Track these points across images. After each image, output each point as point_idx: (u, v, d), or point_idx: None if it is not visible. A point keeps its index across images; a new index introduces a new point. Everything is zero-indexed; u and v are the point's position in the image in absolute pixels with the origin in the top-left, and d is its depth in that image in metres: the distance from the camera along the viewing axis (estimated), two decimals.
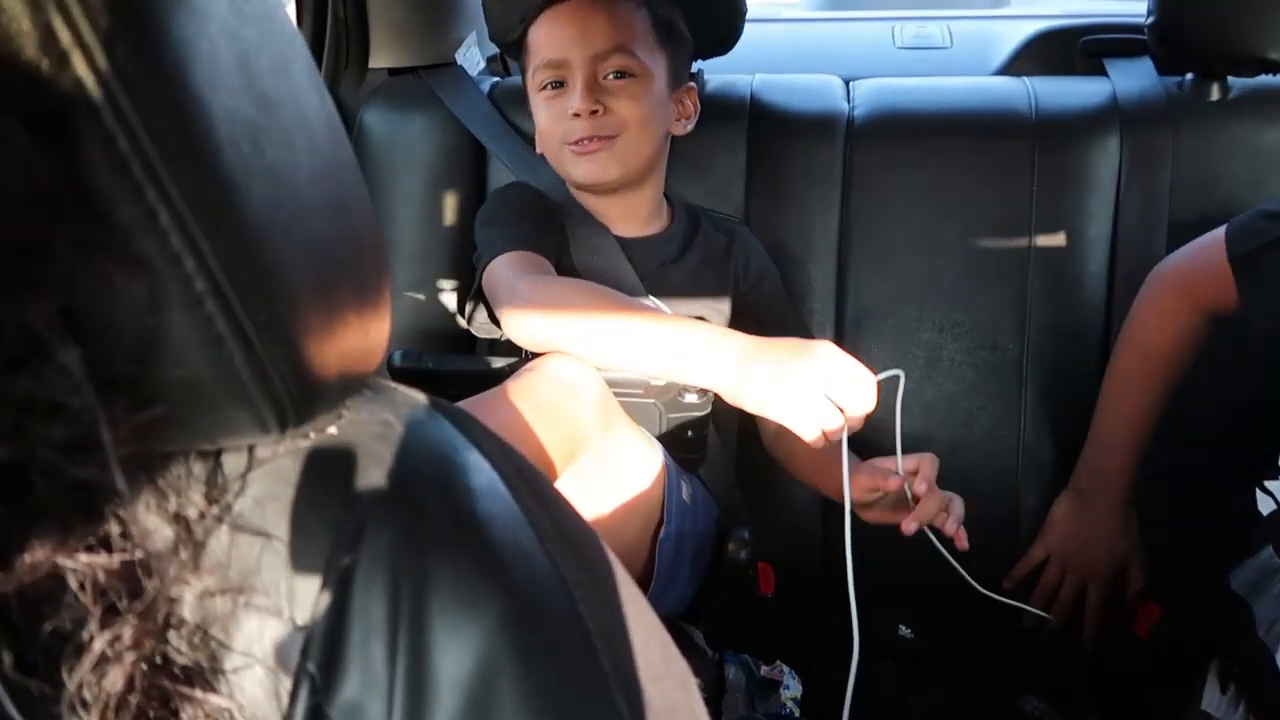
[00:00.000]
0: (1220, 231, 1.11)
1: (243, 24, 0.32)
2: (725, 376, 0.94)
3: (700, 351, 0.95)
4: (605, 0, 1.16)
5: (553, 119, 1.16)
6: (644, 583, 1.05)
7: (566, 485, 0.92)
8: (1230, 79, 1.32)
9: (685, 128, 1.24)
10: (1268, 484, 1.24)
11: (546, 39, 1.16)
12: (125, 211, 0.28)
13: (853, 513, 0.97)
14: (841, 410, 0.91)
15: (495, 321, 1.13)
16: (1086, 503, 1.23)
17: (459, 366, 1.10)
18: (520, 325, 1.02)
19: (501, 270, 1.09)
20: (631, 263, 1.18)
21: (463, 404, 0.86)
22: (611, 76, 1.14)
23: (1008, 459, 1.33)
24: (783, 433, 1.18)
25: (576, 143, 1.14)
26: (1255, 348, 1.10)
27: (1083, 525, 1.23)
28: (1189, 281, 1.15)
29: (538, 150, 1.24)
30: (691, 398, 1.01)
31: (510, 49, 1.29)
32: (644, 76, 1.16)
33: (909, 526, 0.99)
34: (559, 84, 1.15)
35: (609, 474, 0.96)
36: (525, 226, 1.15)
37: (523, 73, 1.24)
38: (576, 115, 1.13)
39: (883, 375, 0.94)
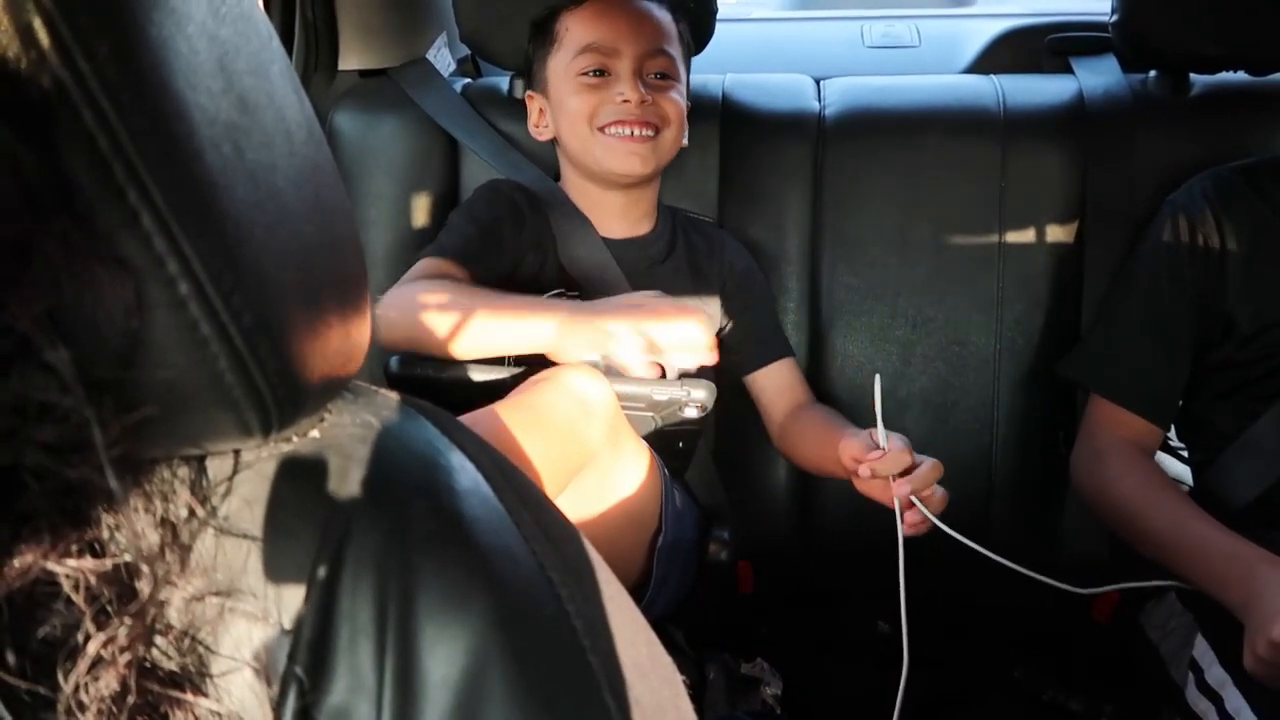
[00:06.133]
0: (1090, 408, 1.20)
1: (220, 25, 0.32)
2: (551, 335, 0.98)
3: (528, 319, 0.99)
4: (653, 1, 1.20)
5: (594, 103, 1.16)
6: (640, 590, 1.05)
7: (569, 498, 0.92)
8: (1193, 76, 1.35)
9: (684, 140, 1.25)
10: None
11: (594, 26, 1.17)
12: (107, 214, 0.28)
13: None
14: (664, 352, 0.96)
15: None
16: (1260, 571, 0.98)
17: (461, 374, 1.06)
18: (380, 328, 1.01)
19: (408, 275, 1.10)
20: (621, 262, 1.18)
21: (470, 415, 0.85)
22: (654, 76, 1.17)
23: (981, 453, 1.34)
24: (789, 426, 1.18)
25: (623, 129, 1.15)
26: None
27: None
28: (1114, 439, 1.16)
29: (541, 138, 1.24)
30: (691, 412, 1.01)
31: (483, 47, 1.27)
32: (677, 81, 1.20)
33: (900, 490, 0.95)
34: (600, 72, 1.17)
35: (612, 489, 0.97)
36: (473, 234, 1.15)
37: (524, 60, 1.25)
38: (626, 101, 1.14)
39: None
